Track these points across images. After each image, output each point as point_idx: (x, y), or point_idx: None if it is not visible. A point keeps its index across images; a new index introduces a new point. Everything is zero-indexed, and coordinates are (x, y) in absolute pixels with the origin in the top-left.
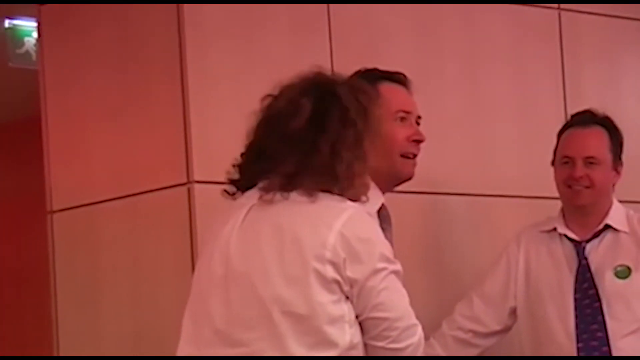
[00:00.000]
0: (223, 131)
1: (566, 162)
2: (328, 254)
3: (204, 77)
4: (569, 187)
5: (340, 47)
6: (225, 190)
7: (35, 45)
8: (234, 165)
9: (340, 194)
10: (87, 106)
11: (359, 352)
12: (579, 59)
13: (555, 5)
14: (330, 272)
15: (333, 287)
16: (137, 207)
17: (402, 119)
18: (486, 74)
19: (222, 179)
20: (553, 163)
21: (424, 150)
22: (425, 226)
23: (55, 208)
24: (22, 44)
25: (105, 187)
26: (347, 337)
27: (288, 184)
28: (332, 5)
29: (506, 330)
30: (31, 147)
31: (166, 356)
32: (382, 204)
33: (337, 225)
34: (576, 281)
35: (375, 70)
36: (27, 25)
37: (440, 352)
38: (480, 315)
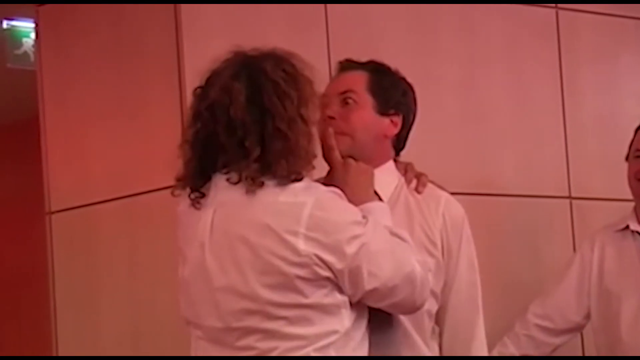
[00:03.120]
0: None
1: (638, 156)
2: (305, 259)
3: (201, 78)
4: (639, 180)
5: (338, 47)
6: (176, 190)
7: (33, 46)
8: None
9: (300, 170)
10: (85, 107)
11: (352, 332)
12: (577, 58)
13: (553, 4)
14: (311, 273)
15: (322, 283)
16: (134, 208)
17: (323, 105)
18: (484, 74)
19: None
20: (627, 158)
21: (422, 149)
22: None
23: (53, 209)
24: (20, 44)
25: (103, 188)
26: (345, 322)
27: (260, 173)
28: (329, 6)
29: (579, 328)
30: (30, 148)
31: (166, 356)
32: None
33: (302, 229)
34: None
35: None
36: (25, 26)
37: (514, 351)
38: (553, 314)
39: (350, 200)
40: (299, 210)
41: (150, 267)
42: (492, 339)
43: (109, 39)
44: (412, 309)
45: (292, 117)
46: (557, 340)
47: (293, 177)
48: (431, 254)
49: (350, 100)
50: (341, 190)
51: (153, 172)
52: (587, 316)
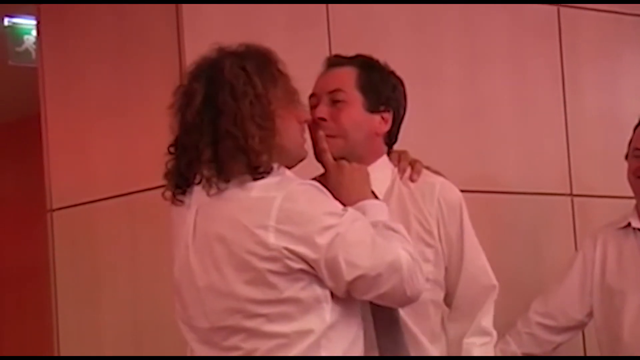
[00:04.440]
0: None
1: (637, 155)
2: (274, 253)
3: None
4: (639, 178)
5: (340, 47)
6: (166, 191)
7: (34, 43)
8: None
9: (265, 169)
10: (87, 104)
11: (341, 329)
12: (579, 56)
13: (555, 3)
14: (283, 267)
15: (296, 276)
16: (136, 205)
17: (312, 106)
18: (485, 71)
19: None
20: (627, 157)
21: (423, 146)
22: None
23: (55, 206)
24: (22, 42)
25: (105, 185)
26: (327, 317)
27: (216, 175)
28: (331, 5)
29: (581, 326)
30: (31, 145)
31: (166, 356)
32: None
33: (272, 223)
34: None
35: None
36: (27, 24)
37: (515, 349)
38: (555, 312)
39: (347, 201)
40: (270, 204)
41: (152, 265)
42: None
43: (110, 36)
44: (404, 299)
45: (246, 116)
46: (558, 338)
47: (261, 170)
48: (429, 245)
49: (339, 100)
50: (337, 191)
51: (155, 169)
52: (590, 314)
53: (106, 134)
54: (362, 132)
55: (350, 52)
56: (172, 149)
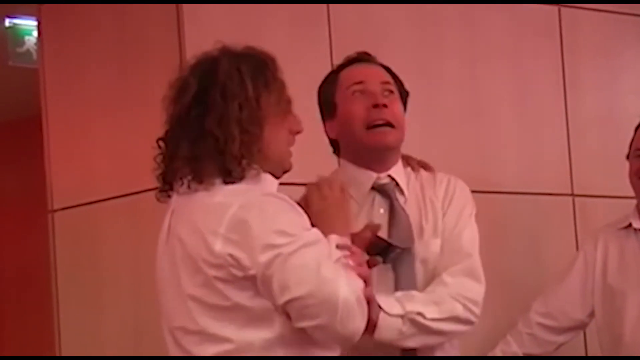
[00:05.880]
0: None
1: (639, 156)
2: (220, 260)
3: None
4: None
5: (340, 47)
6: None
7: (35, 44)
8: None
9: (238, 175)
10: (88, 105)
11: (299, 341)
12: (579, 55)
13: (555, 3)
14: (228, 274)
15: (243, 284)
16: (137, 205)
17: (358, 92)
18: (486, 71)
19: None
20: (628, 157)
21: (423, 145)
22: None
23: (56, 207)
24: (23, 42)
25: (106, 186)
26: (276, 327)
27: (191, 173)
28: (331, 5)
29: (582, 326)
30: (32, 146)
31: (167, 356)
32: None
33: (222, 230)
34: None
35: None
36: (28, 24)
37: (517, 350)
38: (556, 312)
39: (326, 231)
40: (225, 211)
41: (153, 266)
42: (495, 337)
43: (111, 36)
44: (339, 337)
45: (232, 118)
46: (560, 339)
47: (234, 175)
48: (438, 235)
49: (392, 90)
50: (317, 217)
51: (156, 169)
52: (591, 314)
53: (107, 135)
54: (405, 126)
55: (351, 50)
56: (160, 142)
